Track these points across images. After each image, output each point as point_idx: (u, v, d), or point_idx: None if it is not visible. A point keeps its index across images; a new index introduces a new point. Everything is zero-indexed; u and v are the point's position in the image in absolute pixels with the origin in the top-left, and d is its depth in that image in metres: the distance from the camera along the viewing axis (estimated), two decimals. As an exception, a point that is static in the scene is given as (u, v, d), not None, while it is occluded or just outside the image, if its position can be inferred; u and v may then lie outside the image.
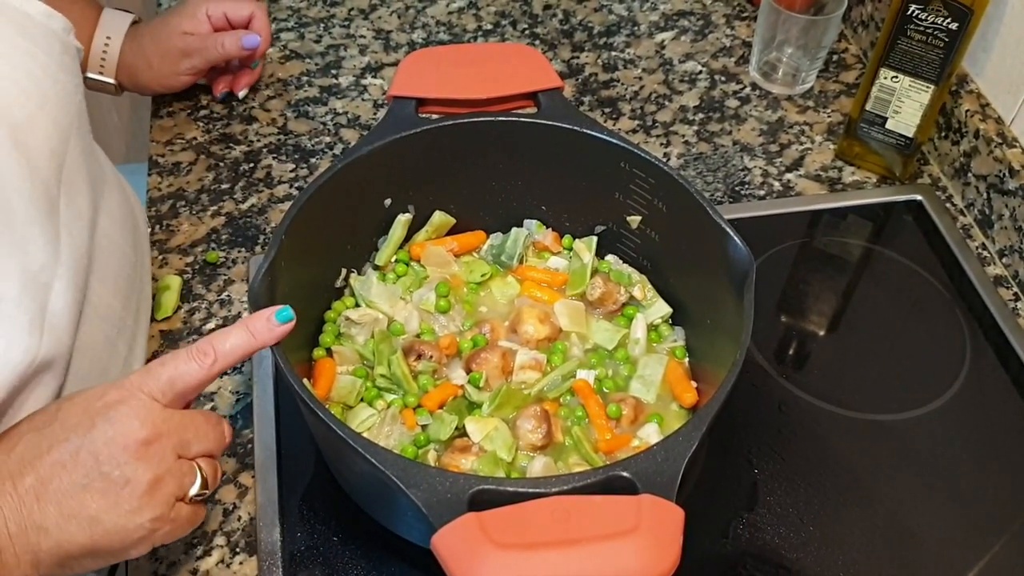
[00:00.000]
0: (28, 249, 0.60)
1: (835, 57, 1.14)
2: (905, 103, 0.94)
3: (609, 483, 0.58)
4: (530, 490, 0.56)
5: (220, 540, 0.73)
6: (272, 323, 0.62)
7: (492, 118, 0.80)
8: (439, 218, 0.85)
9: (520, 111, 0.82)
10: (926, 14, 0.88)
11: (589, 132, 0.79)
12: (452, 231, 0.86)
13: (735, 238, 0.70)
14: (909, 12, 0.89)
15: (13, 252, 0.59)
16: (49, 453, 0.55)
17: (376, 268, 0.84)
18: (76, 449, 0.55)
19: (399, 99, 0.80)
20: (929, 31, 0.89)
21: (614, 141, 0.78)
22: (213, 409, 0.80)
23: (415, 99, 0.80)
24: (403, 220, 0.83)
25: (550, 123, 0.79)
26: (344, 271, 0.82)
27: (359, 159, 0.76)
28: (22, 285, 0.59)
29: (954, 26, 0.87)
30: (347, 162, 0.75)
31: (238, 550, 0.72)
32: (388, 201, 0.82)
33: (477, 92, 0.80)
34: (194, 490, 0.59)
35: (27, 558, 0.55)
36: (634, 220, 0.82)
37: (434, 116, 0.80)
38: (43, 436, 0.56)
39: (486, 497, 0.56)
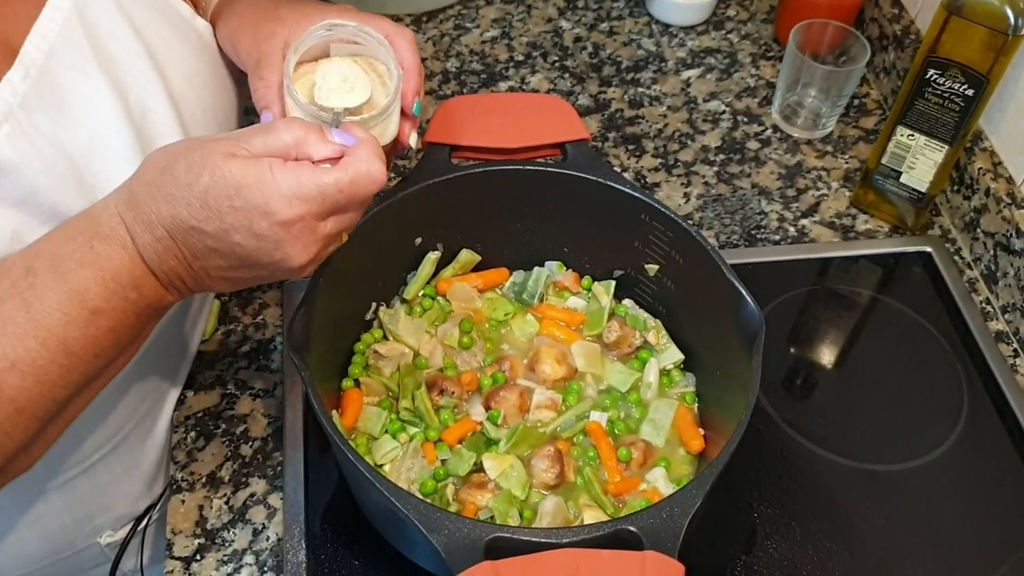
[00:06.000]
0: None
1: (856, 101, 1.17)
2: (920, 160, 0.98)
3: (617, 536, 0.62)
4: (543, 540, 0.61)
5: (249, 559, 0.78)
6: None
7: (521, 166, 0.84)
8: (465, 255, 0.89)
9: (547, 159, 0.86)
10: (944, 79, 0.91)
11: (612, 184, 0.82)
12: (476, 267, 0.91)
13: (748, 299, 0.74)
14: (928, 76, 0.92)
15: None
16: (205, 241, 0.59)
17: (404, 301, 0.88)
18: (233, 245, 0.59)
19: (433, 145, 0.84)
20: (946, 95, 0.92)
21: (636, 194, 0.82)
22: (246, 432, 0.85)
23: (449, 146, 0.84)
24: (432, 258, 0.87)
25: (575, 173, 0.83)
26: (374, 304, 0.86)
27: (395, 202, 0.80)
28: None
29: (970, 92, 0.91)
30: (384, 205, 0.79)
31: (266, 569, 0.77)
32: (419, 240, 0.86)
33: (508, 141, 0.84)
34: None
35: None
36: (652, 268, 0.86)
37: (466, 162, 0.84)
38: (193, 219, 0.58)
39: (501, 544, 0.61)
